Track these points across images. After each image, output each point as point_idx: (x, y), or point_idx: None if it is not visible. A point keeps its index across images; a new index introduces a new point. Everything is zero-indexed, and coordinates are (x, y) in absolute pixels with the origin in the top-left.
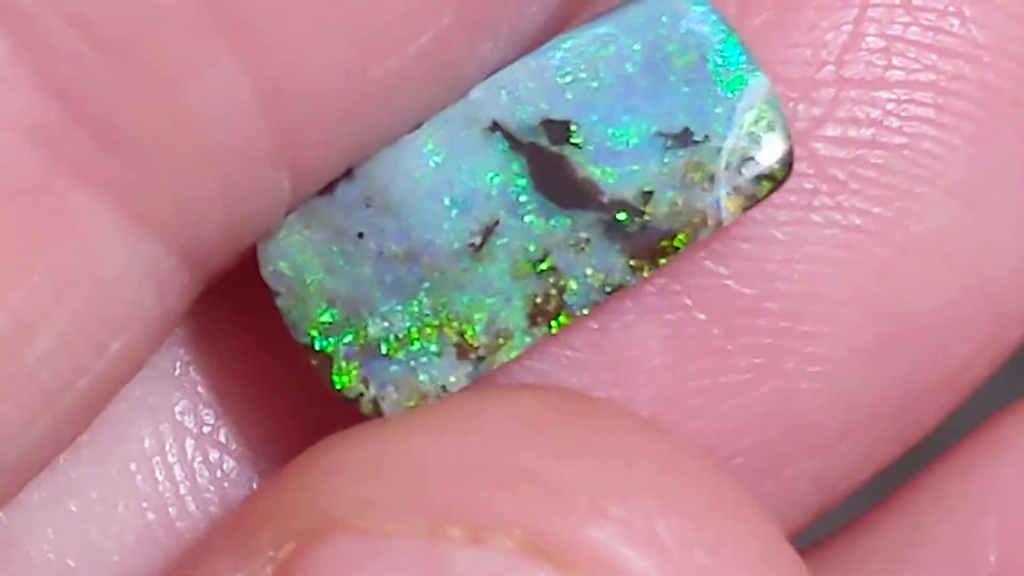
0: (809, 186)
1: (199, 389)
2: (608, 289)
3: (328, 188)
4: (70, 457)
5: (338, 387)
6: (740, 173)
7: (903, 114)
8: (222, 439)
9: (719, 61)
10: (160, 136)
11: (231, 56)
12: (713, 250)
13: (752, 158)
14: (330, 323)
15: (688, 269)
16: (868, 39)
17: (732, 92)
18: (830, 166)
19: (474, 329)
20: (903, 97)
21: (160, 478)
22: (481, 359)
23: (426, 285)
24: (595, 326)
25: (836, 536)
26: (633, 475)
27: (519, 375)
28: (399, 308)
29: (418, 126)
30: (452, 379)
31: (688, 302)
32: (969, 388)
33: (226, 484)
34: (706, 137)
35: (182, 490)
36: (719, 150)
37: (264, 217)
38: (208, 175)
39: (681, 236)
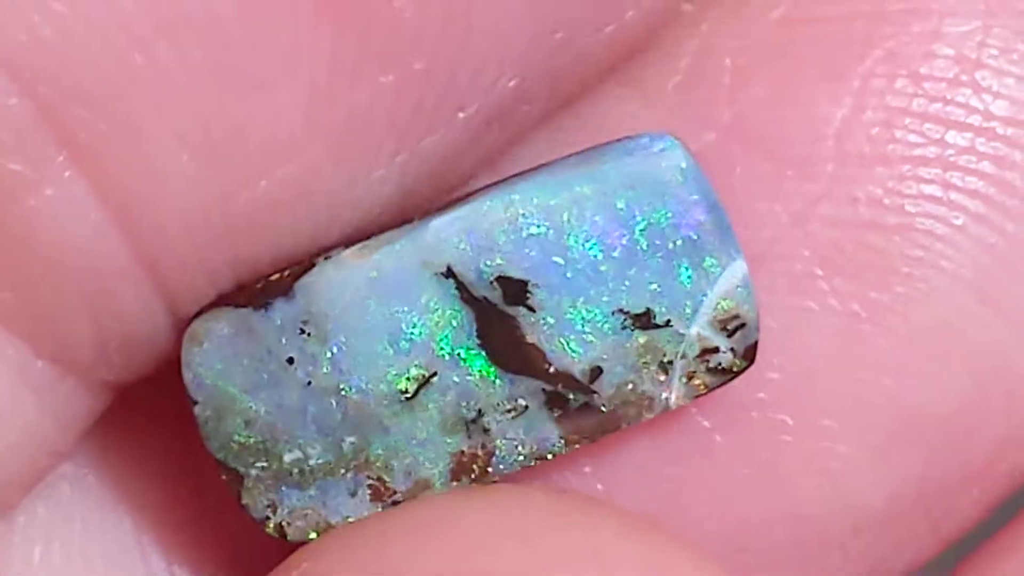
0: (803, 269)
1: (154, 511)
2: (540, 455)
3: (265, 303)
4: None
5: (244, 505)
6: (698, 363)
7: (906, 192)
8: (185, 561)
9: (699, 241)
10: (6, 246)
11: (75, 173)
12: None
13: (715, 350)
14: (245, 444)
15: None
16: (869, 112)
17: (707, 277)
18: (826, 248)
19: (393, 476)
20: (907, 173)
21: None
22: (396, 503)
23: (350, 423)
24: None
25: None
26: None
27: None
28: (318, 441)
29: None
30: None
31: None
32: (1009, 477)
33: None
34: (668, 322)
35: None
36: (681, 337)
37: (140, 329)
38: (65, 287)
39: (624, 418)
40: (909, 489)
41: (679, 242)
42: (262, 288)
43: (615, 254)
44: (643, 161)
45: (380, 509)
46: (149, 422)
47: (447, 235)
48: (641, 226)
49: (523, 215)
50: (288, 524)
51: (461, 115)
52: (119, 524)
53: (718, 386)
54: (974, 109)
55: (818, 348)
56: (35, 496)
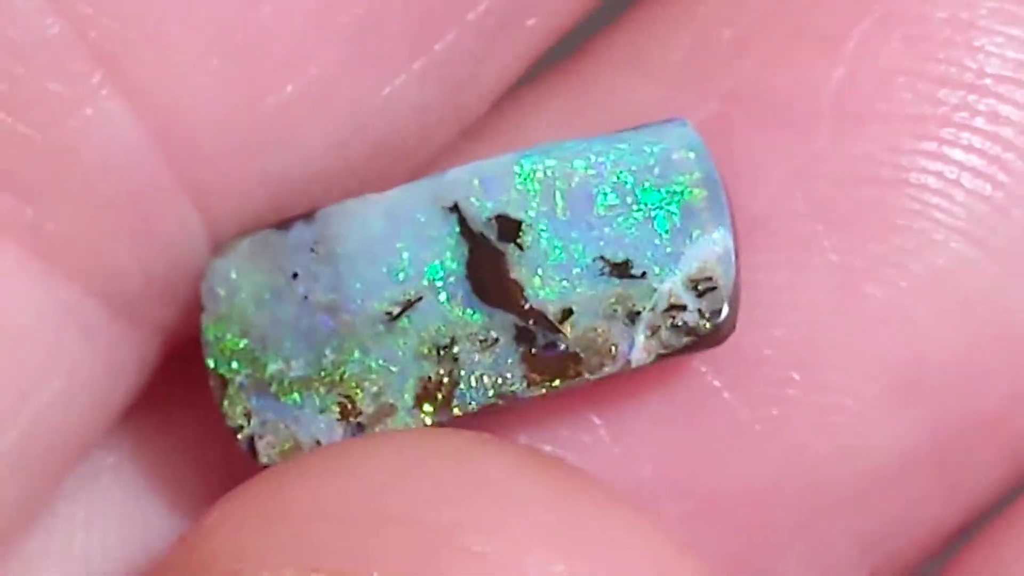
0: (804, 226)
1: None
2: (502, 391)
3: (287, 224)
4: None
5: (223, 413)
6: (664, 317)
7: (903, 148)
8: None
9: (691, 207)
10: (51, 173)
11: (111, 90)
12: None
13: (683, 308)
14: (236, 351)
15: None
16: (865, 72)
17: (689, 238)
18: (825, 204)
19: (362, 396)
20: (901, 131)
21: None
22: (361, 426)
23: (334, 341)
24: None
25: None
26: (502, 511)
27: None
28: (303, 354)
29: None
30: (327, 439)
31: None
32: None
33: None
34: (643, 274)
35: None
36: (653, 291)
37: (182, 254)
38: (109, 212)
39: (585, 364)
40: (921, 443)
41: (671, 206)
42: (290, 217)
43: (609, 206)
44: (654, 136)
45: (346, 429)
46: (183, 413)
47: (461, 177)
48: (640, 188)
49: (534, 169)
50: (260, 437)
51: (471, 16)
52: (154, 513)
53: (682, 349)
54: (967, 68)
55: (821, 303)
56: (75, 486)
